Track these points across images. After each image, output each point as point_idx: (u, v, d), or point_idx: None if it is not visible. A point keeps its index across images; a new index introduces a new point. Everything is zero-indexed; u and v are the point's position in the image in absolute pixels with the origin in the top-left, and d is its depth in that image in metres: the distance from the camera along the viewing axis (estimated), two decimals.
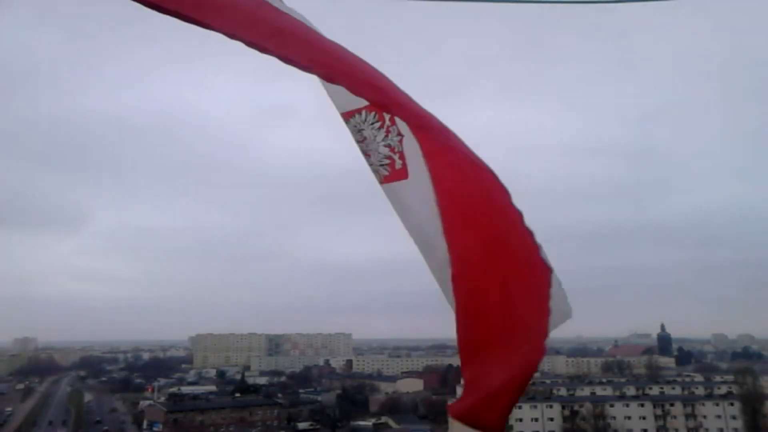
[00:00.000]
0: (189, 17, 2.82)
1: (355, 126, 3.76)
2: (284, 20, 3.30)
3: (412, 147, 3.50)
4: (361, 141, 3.77)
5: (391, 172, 3.64)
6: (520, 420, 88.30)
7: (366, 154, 3.77)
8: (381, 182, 3.71)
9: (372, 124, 3.69)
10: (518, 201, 3.52)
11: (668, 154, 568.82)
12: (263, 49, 2.88)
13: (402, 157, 3.59)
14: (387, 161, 3.65)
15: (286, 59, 2.90)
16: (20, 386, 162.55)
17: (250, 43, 2.87)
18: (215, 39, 2.85)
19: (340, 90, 3.45)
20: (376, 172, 3.74)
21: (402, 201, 3.59)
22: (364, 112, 3.70)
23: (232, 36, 2.86)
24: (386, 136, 3.65)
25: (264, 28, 3.04)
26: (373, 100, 3.35)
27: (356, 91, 3.09)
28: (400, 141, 3.58)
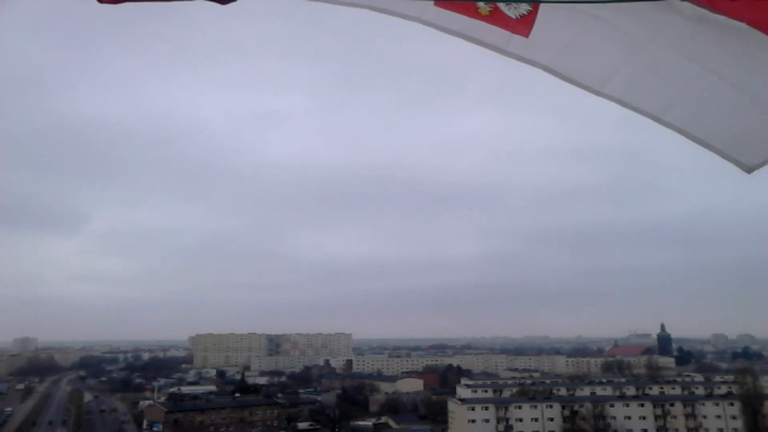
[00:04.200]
0: None
1: None
2: None
3: None
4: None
5: None
6: (520, 420, 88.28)
7: (492, 3, 3.34)
8: (535, 8, 3.26)
9: None
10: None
11: (656, 155, 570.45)
12: None
13: None
14: None
15: None
16: (20, 386, 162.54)
17: None
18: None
19: None
20: (518, 6, 3.31)
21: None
22: None
23: None
24: None
25: None
26: None
27: None
28: None
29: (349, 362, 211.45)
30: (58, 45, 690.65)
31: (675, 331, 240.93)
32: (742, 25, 2.86)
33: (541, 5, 3.24)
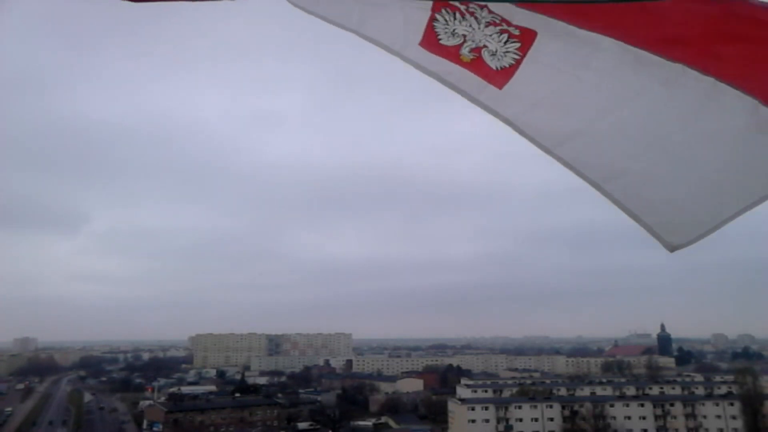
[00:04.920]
0: None
1: (445, 31, 3.28)
2: None
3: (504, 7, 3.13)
4: (461, 43, 3.29)
5: (522, 42, 3.21)
6: (520, 420, 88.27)
7: (477, 51, 3.30)
8: (518, 62, 3.26)
9: (455, 19, 3.24)
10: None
11: None
12: None
13: (507, 23, 3.19)
14: (505, 36, 3.22)
15: None
16: (20, 386, 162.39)
17: None
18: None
19: (389, 24, 3.17)
20: (502, 57, 3.29)
21: (556, 53, 3.16)
22: (440, 13, 3.24)
23: None
24: (475, 18, 3.22)
25: None
26: None
27: None
28: (489, 11, 3.19)
29: (349, 362, 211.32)
30: (58, 45, 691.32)
31: (675, 331, 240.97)
32: (726, 88, 2.90)
33: (524, 63, 3.24)
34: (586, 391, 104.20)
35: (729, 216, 3.14)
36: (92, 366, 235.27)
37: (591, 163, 3.27)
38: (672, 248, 3.22)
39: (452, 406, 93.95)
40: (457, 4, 3.20)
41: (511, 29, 3.21)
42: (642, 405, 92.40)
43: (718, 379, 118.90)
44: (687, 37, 2.88)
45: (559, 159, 3.30)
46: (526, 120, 3.36)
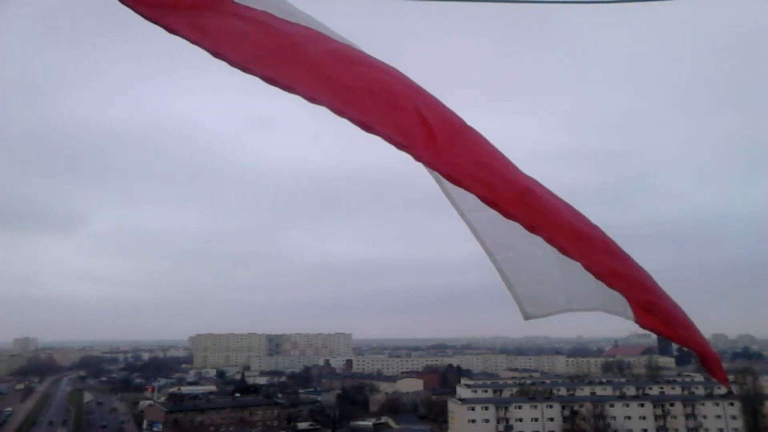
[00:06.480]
0: (177, 32, 2.98)
1: None
2: (280, 39, 3.23)
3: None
4: None
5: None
6: (520, 420, 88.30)
7: None
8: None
9: None
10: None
11: (653, 157, 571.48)
12: (244, 69, 2.96)
13: None
14: None
15: (268, 79, 2.95)
16: (20, 386, 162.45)
17: (233, 63, 2.96)
18: (204, 51, 2.97)
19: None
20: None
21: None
22: None
23: (216, 54, 2.98)
24: None
25: (249, 47, 3.07)
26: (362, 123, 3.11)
27: (340, 112, 2.97)
28: None
29: (349, 362, 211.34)
30: (57, 47, 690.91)
31: None
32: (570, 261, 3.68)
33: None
34: (586, 391, 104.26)
35: (574, 309, 4.06)
36: (92, 366, 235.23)
37: (491, 234, 4.06)
38: (527, 317, 4.06)
39: (452, 406, 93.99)
40: None
41: None
42: (642, 405, 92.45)
43: None
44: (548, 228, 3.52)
45: (467, 221, 4.06)
46: (450, 184, 3.95)
